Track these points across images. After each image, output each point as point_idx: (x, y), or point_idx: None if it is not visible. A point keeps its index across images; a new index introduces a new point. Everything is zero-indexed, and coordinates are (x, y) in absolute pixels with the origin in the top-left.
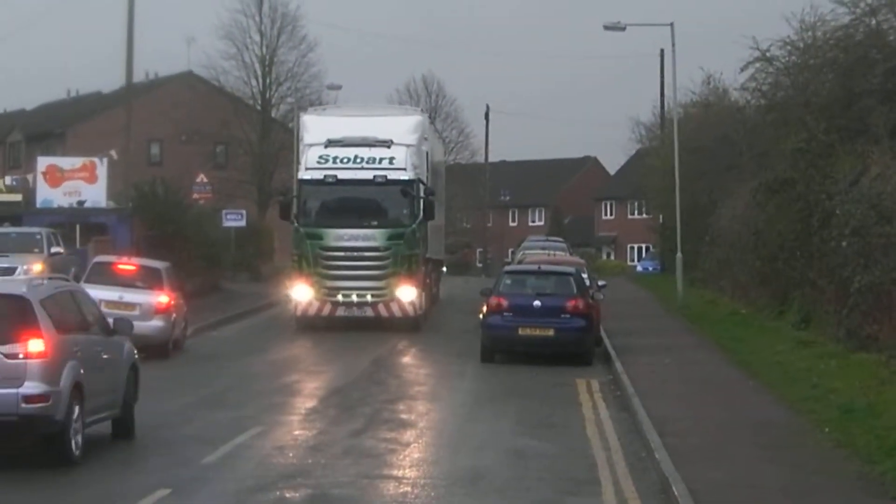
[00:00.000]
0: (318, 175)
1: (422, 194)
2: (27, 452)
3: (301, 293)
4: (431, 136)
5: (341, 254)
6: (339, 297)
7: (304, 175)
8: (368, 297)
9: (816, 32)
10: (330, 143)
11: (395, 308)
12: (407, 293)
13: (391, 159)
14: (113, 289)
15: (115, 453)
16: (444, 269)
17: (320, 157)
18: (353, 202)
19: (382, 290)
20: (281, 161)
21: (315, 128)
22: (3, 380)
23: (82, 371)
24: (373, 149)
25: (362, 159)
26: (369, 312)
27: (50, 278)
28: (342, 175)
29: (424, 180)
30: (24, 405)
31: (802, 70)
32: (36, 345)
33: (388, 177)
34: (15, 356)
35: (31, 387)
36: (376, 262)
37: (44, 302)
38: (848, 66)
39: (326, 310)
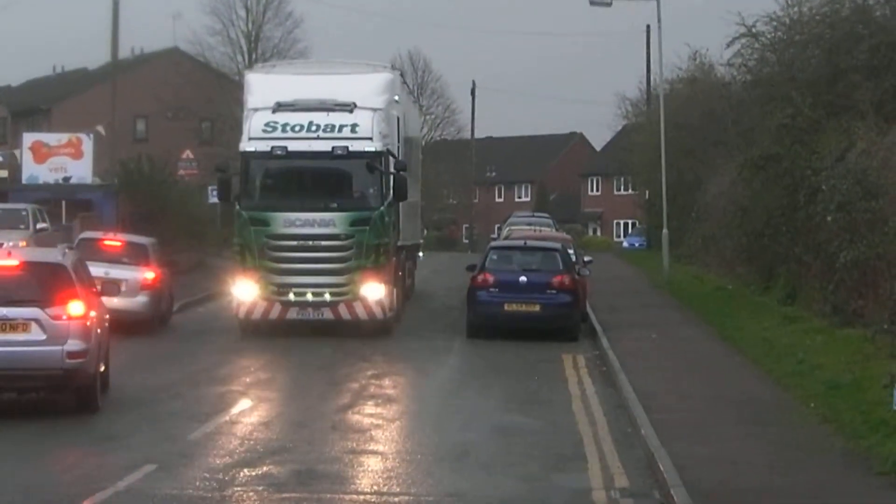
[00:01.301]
0: (265, 146)
1: (392, 169)
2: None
3: (244, 291)
4: (404, 99)
5: (293, 243)
6: (291, 297)
7: (247, 146)
8: (326, 297)
9: (802, 8)
10: (279, 108)
11: (359, 309)
12: (374, 291)
13: (354, 126)
14: (99, 264)
15: (101, 429)
16: (421, 255)
17: (267, 124)
18: (308, 179)
19: (344, 288)
20: None
21: (261, 89)
22: (50, 338)
23: (98, 330)
24: (331, 114)
25: (318, 126)
26: (328, 315)
27: (68, 247)
28: (294, 146)
29: (395, 152)
30: (67, 360)
31: (788, 46)
32: (76, 307)
33: (351, 148)
34: (59, 317)
35: (73, 344)
36: (336, 254)
37: (74, 268)
38: (834, 41)
39: (275, 312)
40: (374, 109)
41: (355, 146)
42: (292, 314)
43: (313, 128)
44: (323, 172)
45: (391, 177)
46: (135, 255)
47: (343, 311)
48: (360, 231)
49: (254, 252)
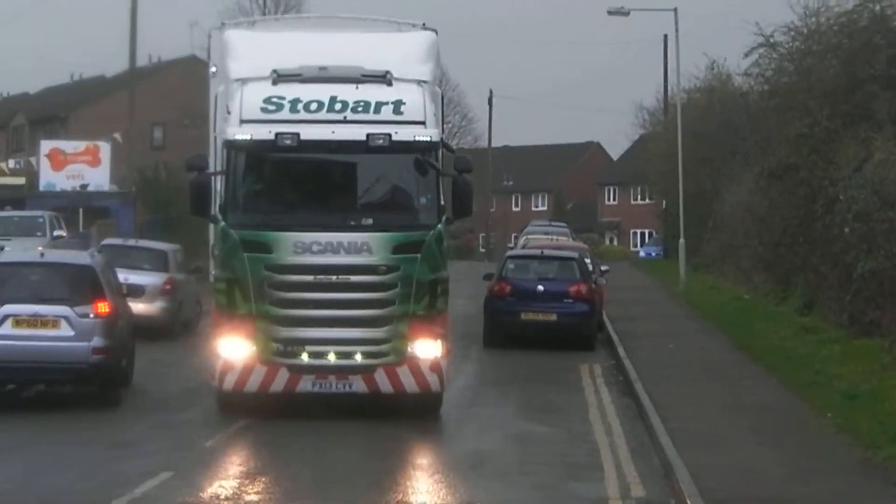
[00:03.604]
0: (265, 133)
1: (451, 170)
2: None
3: (232, 350)
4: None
5: (308, 278)
6: (304, 358)
7: (237, 133)
8: (357, 358)
9: (820, 18)
10: (280, 78)
11: (406, 378)
12: (428, 350)
13: (398, 105)
14: (120, 270)
15: (117, 435)
16: None
17: (267, 100)
18: (330, 183)
19: (383, 346)
20: None
21: (248, 51)
22: (78, 335)
23: (123, 329)
24: (361, 87)
25: (345, 105)
26: (359, 386)
27: (97, 251)
28: (309, 133)
29: (448, 143)
30: (93, 356)
31: (806, 56)
32: (103, 306)
33: (395, 136)
34: (87, 315)
35: (98, 341)
36: (373, 294)
37: (101, 270)
38: (852, 51)
39: (280, 381)
40: (420, 82)
41: (402, 134)
42: (306, 385)
43: (337, 106)
44: (353, 173)
45: (451, 180)
46: (155, 262)
47: (382, 379)
48: (409, 261)
49: (248, 291)
